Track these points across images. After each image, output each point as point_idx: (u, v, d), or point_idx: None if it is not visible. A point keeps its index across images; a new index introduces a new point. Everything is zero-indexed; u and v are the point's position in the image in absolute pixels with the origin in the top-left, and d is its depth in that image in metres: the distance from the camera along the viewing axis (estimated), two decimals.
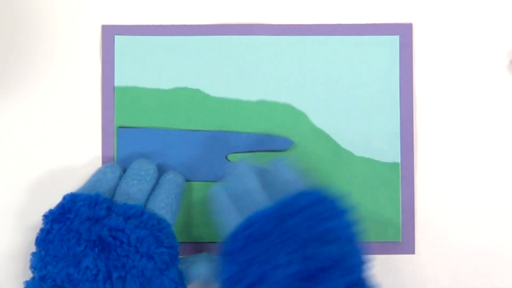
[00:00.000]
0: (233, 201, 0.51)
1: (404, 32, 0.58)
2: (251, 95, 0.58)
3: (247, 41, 0.58)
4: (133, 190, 0.52)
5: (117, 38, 0.58)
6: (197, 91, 0.57)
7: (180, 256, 0.51)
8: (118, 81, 0.57)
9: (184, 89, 0.57)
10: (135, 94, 0.57)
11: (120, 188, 0.52)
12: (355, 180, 0.57)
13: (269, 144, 0.57)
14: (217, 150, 0.57)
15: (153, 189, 0.53)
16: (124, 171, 0.54)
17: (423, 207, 0.57)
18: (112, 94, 0.57)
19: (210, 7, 0.58)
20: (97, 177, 0.53)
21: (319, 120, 0.57)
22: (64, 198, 0.50)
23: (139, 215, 0.49)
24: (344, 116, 0.57)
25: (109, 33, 0.58)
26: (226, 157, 0.57)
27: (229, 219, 0.50)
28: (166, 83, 0.57)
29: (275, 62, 0.58)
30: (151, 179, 0.53)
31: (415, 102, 0.58)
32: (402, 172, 0.57)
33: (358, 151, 0.57)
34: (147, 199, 0.52)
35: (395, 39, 0.58)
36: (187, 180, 0.57)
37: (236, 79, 0.58)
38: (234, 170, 0.52)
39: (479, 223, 0.57)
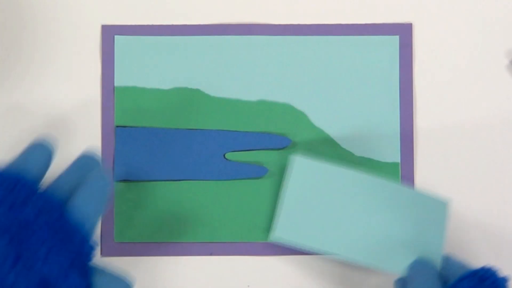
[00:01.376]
0: None
1: (404, 32, 0.58)
2: (251, 95, 0.58)
3: (247, 41, 0.58)
4: (64, 187, 0.48)
5: (117, 38, 0.58)
6: (197, 91, 0.57)
7: (104, 268, 0.49)
8: (118, 81, 0.57)
9: (184, 89, 0.58)
10: (135, 94, 0.57)
11: (56, 180, 0.49)
12: None
13: (267, 142, 0.57)
14: (214, 149, 0.57)
15: (83, 183, 0.49)
16: (53, 151, 0.50)
17: None
18: (112, 94, 0.57)
19: (210, 7, 0.58)
20: (25, 155, 0.49)
21: (319, 120, 0.57)
22: None
23: (54, 212, 0.47)
24: (344, 116, 0.57)
25: (109, 33, 0.58)
26: (224, 156, 0.57)
27: None
28: (165, 83, 0.57)
29: (275, 62, 0.58)
30: (84, 182, 0.49)
31: (415, 102, 0.58)
32: (402, 172, 0.57)
33: (358, 151, 0.57)
34: (74, 193, 0.49)
35: (395, 39, 0.58)
36: (185, 179, 0.57)
37: (236, 79, 0.58)
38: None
39: (479, 223, 0.57)
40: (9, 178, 0.47)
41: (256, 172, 0.56)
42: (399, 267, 0.53)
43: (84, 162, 0.50)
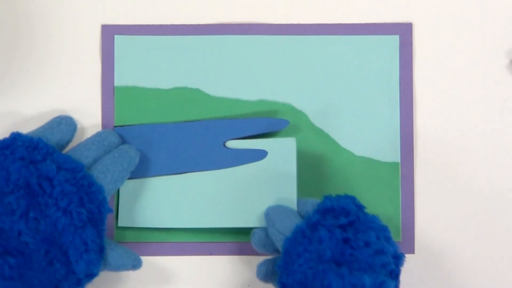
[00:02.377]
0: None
1: (404, 31, 0.58)
2: (251, 95, 0.58)
3: (247, 41, 0.58)
4: (86, 154, 0.52)
5: (117, 38, 0.58)
6: (197, 90, 0.57)
7: (116, 243, 0.53)
8: (118, 81, 0.57)
9: (184, 89, 0.57)
10: (135, 94, 0.57)
11: (78, 146, 0.53)
12: (355, 180, 0.57)
13: (266, 126, 0.56)
14: (214, 138, 0.56)
15: (110, 152, 0.54)
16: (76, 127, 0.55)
17: (423, 207, 0.57)
18: (112, 94, 0.57)
19: (210, 7, 0.58)
20: (50, 125, 0.54)
21: (319, 120, 0.57)
22: (11, 134, 0.51)
23: (75, 172, 0.50)
24: (344, 116, 0.57)
25: (109, 33, 0.58)
26: (224, 144, 0.57)
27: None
28: (165, 83, 0.57)
29: (275, 62, 0.58)
30: (110, 151, 0.54)
31: (415, 102, 0.58)
32: (402, 172, 0.57)
33: (358, 151, 0.57)
34: (98, 160, 0.53)
35: (395, 38, 0.58)
36: (186, 172, 0.56)
37: (236, 79, 0.58)
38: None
39: (478, 223, 0.57)
40: (31, 139, 0.50)
41: (256, 156, 0.56)
42: (258, 219, 0.54)
43: (104, 137, 0.54)
